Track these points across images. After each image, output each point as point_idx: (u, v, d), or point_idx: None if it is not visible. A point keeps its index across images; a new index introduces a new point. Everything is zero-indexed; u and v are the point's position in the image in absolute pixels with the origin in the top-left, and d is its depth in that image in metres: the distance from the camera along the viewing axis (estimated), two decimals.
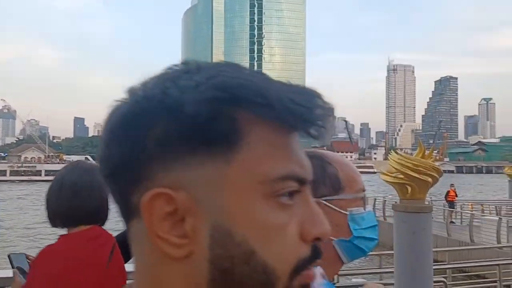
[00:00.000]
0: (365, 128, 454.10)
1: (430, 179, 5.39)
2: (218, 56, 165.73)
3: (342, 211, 0.90)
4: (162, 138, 0.42)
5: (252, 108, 0.42)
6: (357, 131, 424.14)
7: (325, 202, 0.88)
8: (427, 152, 5.57)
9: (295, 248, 0.44)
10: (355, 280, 6.27)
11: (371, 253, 1.07)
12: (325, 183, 0.90)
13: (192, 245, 0.43)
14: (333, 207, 0.89)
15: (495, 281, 7.44)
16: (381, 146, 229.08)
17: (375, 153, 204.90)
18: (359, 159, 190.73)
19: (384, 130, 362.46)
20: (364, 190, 0.96)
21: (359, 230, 0.91)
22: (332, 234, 0.86)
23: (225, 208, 0.42)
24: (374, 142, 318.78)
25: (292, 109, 0.42)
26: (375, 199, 21.22)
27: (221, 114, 0.42)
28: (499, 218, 14.23)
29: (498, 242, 12.77)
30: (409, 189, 5.44)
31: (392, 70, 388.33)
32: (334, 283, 1.15)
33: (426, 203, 5.58)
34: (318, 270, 0.78)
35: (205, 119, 0.41)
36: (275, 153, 0.44)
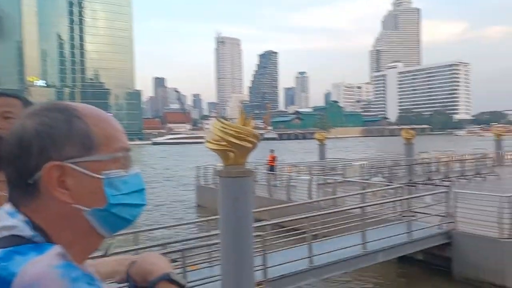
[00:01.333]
0: (197, 99, 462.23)
1: (250, 145, 5.77)
2: (30, 17, 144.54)
3: (95, 174, 0.76)
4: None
5: None
6: (189, 102, 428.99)
7: (72, 165, 0.74)
8: (254, 122, 5.91)
9: None
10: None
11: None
12: (71, 142, 0.74)
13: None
14: (83, 170, 0.75)
15: (305, 232, 8.57)
16: (213, 117, 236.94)
17: (207, 124, 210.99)
18: (192, 129, 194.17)
19: (215, 101, 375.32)
20: (128, 149, 0.82)
21: (118, 196, 0.77)
22: (85, 203, 0.76)
23: None
24: (206, 113, 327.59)
25: None
26: (198, 167, 22.06)
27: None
28: (310, 177, 16.32)
29: (310, 198, 14.70)
30: (231, 155, 5.73)
31: (221, 42, 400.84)
32: (107, 255, 1.00)
33: (248, 167, 5.95)
34: (54, 250, 0.68)
35: None
36: None
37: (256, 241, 7.21)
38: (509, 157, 28.83)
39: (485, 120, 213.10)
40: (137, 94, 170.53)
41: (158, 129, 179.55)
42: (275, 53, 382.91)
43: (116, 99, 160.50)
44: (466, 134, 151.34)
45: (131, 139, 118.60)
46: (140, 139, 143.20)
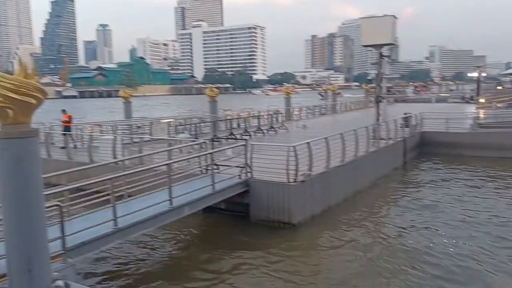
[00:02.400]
0: None
1: (34, 101, 4.98)
2: None
3: None
4: None
5: None
6: None
7: None
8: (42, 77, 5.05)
9: None
10: None
11: None
12: None
13: None
14: None
15: (109, 194, 8.14)
16: None
17: None
18: None
19: None
20: None
21: None
22: None
23: None
24: None
25: None
26: None
27: None
28: (114, 137, 15.53)
29: (114, 158, 14.03)
30: (10, 112, 4.87)
31: None
32: None
33: (33, 127, 5.16)
34: None
35: None
36: None
37: (51, 209, 6.49)
38: (296, 112, 33.20)
39: (278, 80, 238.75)
40: None
41: None
42: (72, 1, 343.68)
43: None
44: (261, 93, 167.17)
45: None
46: None
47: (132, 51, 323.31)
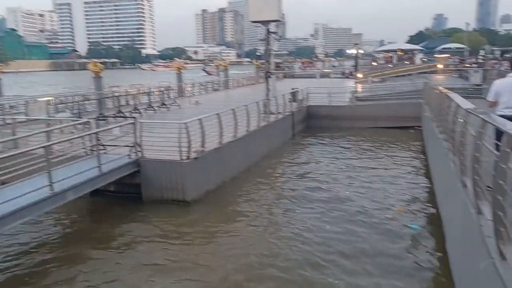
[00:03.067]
0: None
1: None
2: None
3: None
4: None
5: None
6: None
7: None
8: None
9: None
10: None
11: None
12: None
13: None
14: None
15: None
16: None
17: None
18: None
19: None
20: None
21: None
22: None
23: None
24: None
25: None
26: None
27: None
28: None
29: None
30: None
31: None
32: None
33: None
34: None
35: None
36: None
37: None
38: (189, 88, 32.69)
39: (169, 55, 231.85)
40: None
41: None
42: None
43: None
44: (151, 68, 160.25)
45: None
46: None
47: (1, 22, 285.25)
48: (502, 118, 5.17)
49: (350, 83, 36.62)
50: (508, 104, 6.62)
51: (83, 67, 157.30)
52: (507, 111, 6.53)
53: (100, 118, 17.39)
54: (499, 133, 4.36)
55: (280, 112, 19.58)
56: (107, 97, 22.56)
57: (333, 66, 76.81)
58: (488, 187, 4.31)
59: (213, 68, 45.06)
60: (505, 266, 3.59)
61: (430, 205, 10.71)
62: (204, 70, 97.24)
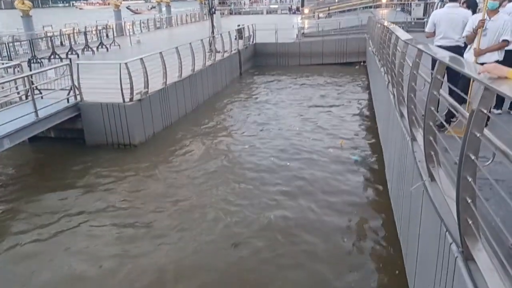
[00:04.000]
0: None
1: None
2: None
3: None
4: None
5: None
6: None
7: None
8: None
9: None
10: None
11: None
12: None
13: None
14: None
15: None
16: None
17: None
18: None
19: None
20: None
21: None
22: None
23: None
24: None
25: None
26: None
27: None
28: None
29: None
30: None
31: None
32: None
33: None
34: None
35: None
36: None
37: None
38: (129, 27, 30.91)
39: None
40: None
41: None
42: None
43: None
44: (80, 7, 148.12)
45: None
46: None
47: None
48: (438, 48, 5.31)
49: (297, 19, 36.12)
50: (445, 34, 6.75)
51: (10, 6, 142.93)
52: (444, 41, 6.69)
53: (33, 61, 16.20)
54: (435, 63, 4.50)
55: (226, 51, 19.14)
56: (39, 38, 20.92)
57: (280, 2, 75.06)
58: (423, 115, 4.51)
59: (142, 6, 42.29)
60: (434, 186, 3.87)
61: (372, 136, 11.22)
62: (128, 8, 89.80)
